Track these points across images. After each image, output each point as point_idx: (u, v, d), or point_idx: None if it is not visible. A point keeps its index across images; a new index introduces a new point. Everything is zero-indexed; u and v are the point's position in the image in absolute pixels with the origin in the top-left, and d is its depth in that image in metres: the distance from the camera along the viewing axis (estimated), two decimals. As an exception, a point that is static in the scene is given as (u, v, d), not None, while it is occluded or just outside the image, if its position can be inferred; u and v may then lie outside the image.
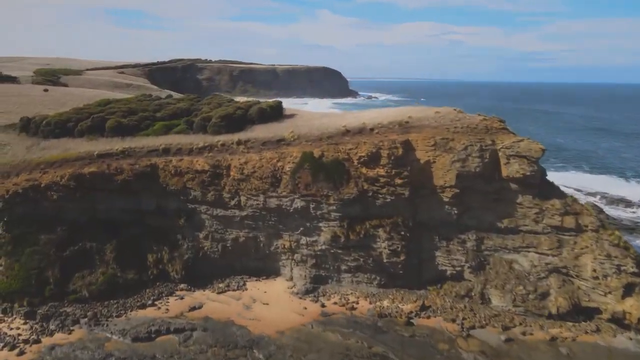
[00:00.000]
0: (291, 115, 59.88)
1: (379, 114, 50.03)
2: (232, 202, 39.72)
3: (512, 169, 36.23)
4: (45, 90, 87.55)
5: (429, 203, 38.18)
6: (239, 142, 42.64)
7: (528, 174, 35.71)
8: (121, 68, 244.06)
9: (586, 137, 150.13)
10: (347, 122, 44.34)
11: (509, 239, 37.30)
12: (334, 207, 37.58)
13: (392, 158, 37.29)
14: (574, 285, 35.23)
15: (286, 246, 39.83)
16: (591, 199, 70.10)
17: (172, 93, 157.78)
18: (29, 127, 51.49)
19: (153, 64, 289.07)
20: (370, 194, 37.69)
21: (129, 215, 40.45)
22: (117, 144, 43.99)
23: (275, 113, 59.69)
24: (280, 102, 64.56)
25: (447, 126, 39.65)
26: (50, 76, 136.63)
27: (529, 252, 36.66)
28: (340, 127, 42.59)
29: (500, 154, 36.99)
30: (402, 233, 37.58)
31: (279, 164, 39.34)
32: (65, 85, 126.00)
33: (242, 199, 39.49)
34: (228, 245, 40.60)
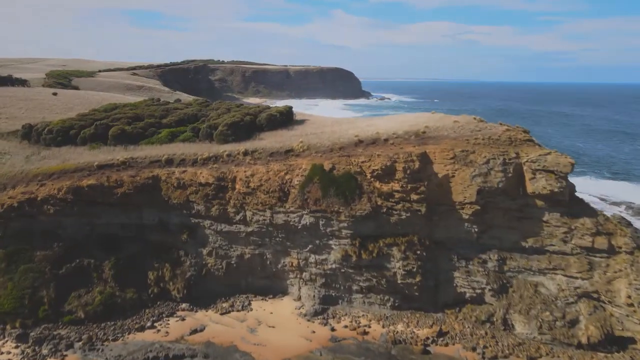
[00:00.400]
0: (302, 121, 57.78)
1: (394, 121, 47.53)
2: (237, 217, 37.52)
3: (538, 184, 33.44)
4: (54, 94, 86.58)
5: (447, 220, 35.54)
6: (245, 153, 40.43)
7: (556, 190, 32.90)
8: (134, 69, 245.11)
9: (607, 140, 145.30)
10: (360, 131, 41.92)
11: (534, 260, 34.49)
12: (345, 224, 35.16)
13: (408, 172, 34.74)
14: (606, 312, 32.29)
15: (294, 264, 37.51)
16: (616, 210, 66.66)
17: (183, 95, 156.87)
18: (30, 134, 50.02)
19: (166, 65, 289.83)
20: (384, 210, 35.19)
21: (130, 230, 38.49)
22: (119, 154, 42.11)
23: (285, 119, 57.63)
24: (291, 108, 62.46)
25: (467, 137, 36.97)
26: (62, 79, 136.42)
27: (556, 274, 33.82)
28: (353, 136, 40.17)
29: (525, 168, 34.23)
30: (418, 252, 35.01)
31: (287, 177, 37.04)
32: (76, 88, 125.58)
33: (248, 214, 37.26)
34: (233, 262, 38.40)
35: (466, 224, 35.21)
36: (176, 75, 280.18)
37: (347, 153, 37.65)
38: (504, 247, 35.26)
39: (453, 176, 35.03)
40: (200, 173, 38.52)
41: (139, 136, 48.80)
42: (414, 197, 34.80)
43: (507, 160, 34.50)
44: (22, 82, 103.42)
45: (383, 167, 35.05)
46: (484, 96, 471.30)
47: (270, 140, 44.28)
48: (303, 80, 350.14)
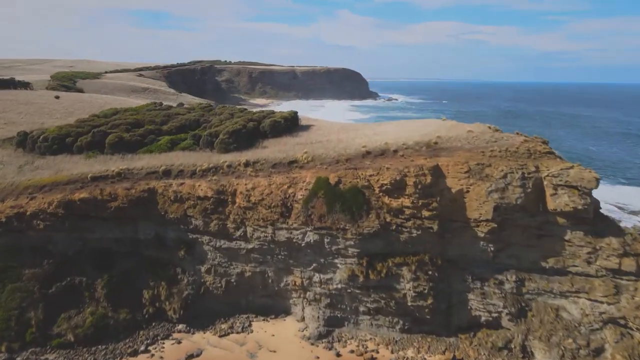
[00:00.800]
0: (307, 127, 55.75)
1: (403, 129, 45.24)
2: (238, 233, 35.40)
3: (560, 201, 31.01)
4: (57, 97, 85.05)
5: (461, 238, 33.19)
6: (246, 164, 38.29)
7: (580, 207, 30.45)
8: (140, 70, 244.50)
9: (620, 143, 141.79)
10: (368, 141, 39.67)
11: (555, 282, 32.05)
12: (352, 243, 32.92)
13: (419, 187, 32.43)
14: (634, 340, 29.75)
15: (297, 283, 35.33)
16: (635, 220, 63.82)
17: (188, 97, 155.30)
18: (25, 142, 48.19)
19: (172, 66, 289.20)
20: (393, 227, 32.90)
21: (124, 245, 36.48)
22: (114, 164, 40.14)
23: (290, 125, 55.56)
24: (296, 113, 60.36)
25: (483, 149, 34.58)
26: (67, 81, 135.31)
27: (579, 298, 31.37)
28: (360, 147, 37.90)
29: (545, 183, 31.81)
30: (430, 273, 32.69)
31: (290, 190, 34.86)
32: (80, 90, 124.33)
33: (249, 230, 35.13)
34: (232, 280, 36.30)
35: (481, 242, 32.85)
36: (183, 76, 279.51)
37: (354, 165, 35.39)
38: (523, 267, 32.87)
39: (467, 191, 32.67)
40: (199, 186, 36.44)
41: (137, 144, 46.86)
42: (425, 213, 32.49)
43: (526, 175, 32.11)
44: (25, 85, 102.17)
45: (392, 181, 32.75)
46: (491, 97, 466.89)
47: (274, 149, 42.18)
48: (310, 81, 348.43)
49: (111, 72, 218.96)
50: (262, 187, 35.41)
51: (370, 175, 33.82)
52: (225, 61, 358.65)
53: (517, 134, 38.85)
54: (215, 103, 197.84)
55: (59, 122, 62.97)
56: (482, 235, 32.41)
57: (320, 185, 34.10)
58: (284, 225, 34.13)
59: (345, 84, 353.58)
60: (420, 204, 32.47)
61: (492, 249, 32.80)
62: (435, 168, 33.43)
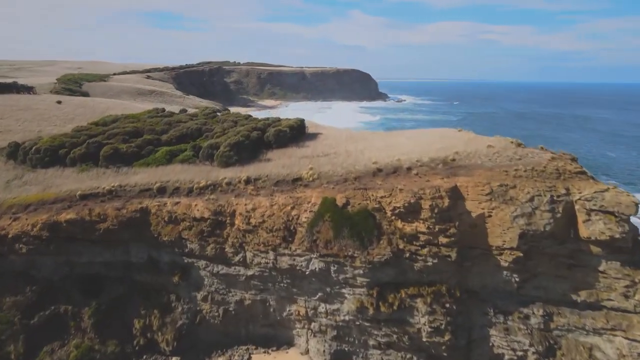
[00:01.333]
0: (314, 136, 52.95)
1: (416, 141, 42.08)
2: (236, 258, 32.53)
3: (594, 228, 27.73)
4: (59, 102, 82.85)
5: (481, 267, 30.02)
6: (247, 181, 35.40)
7: (617, 236, 27.17)
8: (149, 72, 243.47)
9: (639, 149, 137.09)
10: (378, 156, 36.62)
11: (587, 318, 28.74)
12: (361, 271, 29.85)
13: (436, 211, 29.29)
14: (679, 385, 26.50)
15: (301, 313, 32.38)
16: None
17: (195, 99, 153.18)
18: (17, 154, 45.73)
19: (181, 67, 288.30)
20: (407, 255, 29.78)
21: (114, 269, 33.80)
22: (107, 180, 37.50)
23: (296, 133, 52.73)
24: (302, 121, 57.47)
25: (506, 168, 31.35)
26: (73, 84, 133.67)
27: (615, 336, 28.03)
28: (370, 163, 34.85)
29: (577, 207, 28.55)
30: (447, 306, 29.52)
31: (294, 212, 31.89)
32: (86, 93, 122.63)
33: (248, 255, 32.24)
34: (231, 309, 33.43)
35: (505, 272, 29.64)
36: (191, 77, 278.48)
37: (363, 184, 32.33)
38: (551, 299, 29.60)
39: (490, 216, 29.47)
40: (195, 205, 33.61)
41: (133, 156, 44.19)
42: (442, 240, 29.35)
43: (555, 198, 28.86)
44: (28, 89, 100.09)
45: (406, 204, 29.64)
46: (502, 98, 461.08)
47: (277, 162, 39.32)
48: (319, 82, 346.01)
49: (119, 74, 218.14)
50: (264, 208, 32.49)
51: (382, 197, 30.74)
52: (234, 62, 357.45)
53: (542, 149, 35.60)
54: (223, 105, 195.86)
55: (57, 129, 60.71)
56: (506, 264, 29.21)
57: (326, 207, 31.09)
58: (286, 251, 31.18)
59: (355, 85, 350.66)
60: (436, 229, 29.34)
61: (516, 279, 29.58)
62: (454, 189, 30.26)
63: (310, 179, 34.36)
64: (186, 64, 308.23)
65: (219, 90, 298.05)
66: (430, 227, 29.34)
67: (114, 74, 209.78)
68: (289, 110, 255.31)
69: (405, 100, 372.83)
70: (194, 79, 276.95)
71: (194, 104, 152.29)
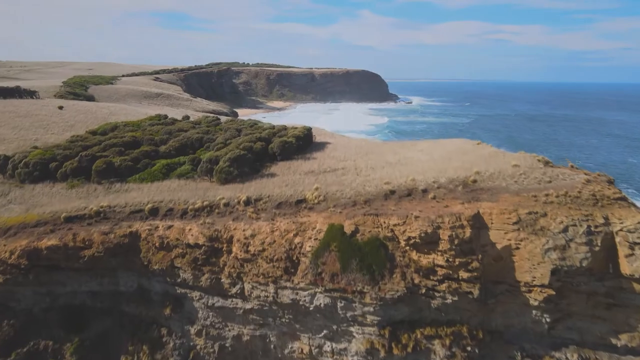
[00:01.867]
0: (321, 146, 50.14)
1: (431, 156, 38.89)
2: (234, 290, 29.47)
3: (639, 264, 24.28)
4: (60, 107, 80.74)
5: (507, 305, 26.65)
6: (247, 202, 32.35)
7: (665, 274, 23.72)
8: (158, 73, 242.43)
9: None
10: (391, 174, 33.48)
11: (629, 365, 25.35)
12: (372, 309, 26.62)
13: (456, 242, 25.99)
14: None
15: (305, 351, 29.24)
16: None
17: (202, 102, 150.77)
18: (6, 167, 43.13)
19: (189, 68, 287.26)
20: (423, 291, 26.52)
21: (101, 300, 30.92)
22: (95, 199, 34.67)
23: (303, 144, 49.86)
24: (309, 130, 54.65)
25: (534, 192, 27.93)
26: (78, 87, 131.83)
27: (661, 386, 24.63)
28: (382, 184, 31.61)
29: (618, 239, 25.10)
30: (469, 349, 26.21)
31: (297, 240, 28.75)
32: (91, 97, 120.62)
33: (247, 286, 29.16)
34: (227, 345, 30.37)
35: (534, 311, 26.25)
36: (199, 79, 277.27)
37: (374, 209, 29.07)
38: (587, 343, 26.16)
39: (517, 248, 26.09)
40: (189, 230, 30.61)
41: (128, 170, 41.45)
42: (463, 274, 26.05)
43: (592, 229, 25.42)
44: (31, 94, 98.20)
45: (422, 234, 26.37)
46: (514, 99, 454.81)
47: (281, 179, 36.38)
48: (328, 83, 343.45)
49: (128, 75, 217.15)
50: (264, 234, 29.39)
51: (395, 225, 27.48)
52: (244, 63, 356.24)
53: (573, 167, 32.17)
54: (230, 108, 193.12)
55: (54, 137, 58.42)
56: (536, 303, 25.82)
57: (333, 235, 27.90)
58: (288, 284, 28.04)
59: (365, 86, 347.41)
60: (456, 262, 26.05)
61: (547, 319, 26.18)
62: (476, 217, 26.92)
63: (316, 200, 31.20)
64: (195, 65, 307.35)
65: (228, 91, 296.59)
66: (450, 260, 26.05)
67: (123, 76, 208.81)
68: (297, 112, 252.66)
69: (415, 102, 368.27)
70: (203, 80, 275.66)
71: (201, 107, 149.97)
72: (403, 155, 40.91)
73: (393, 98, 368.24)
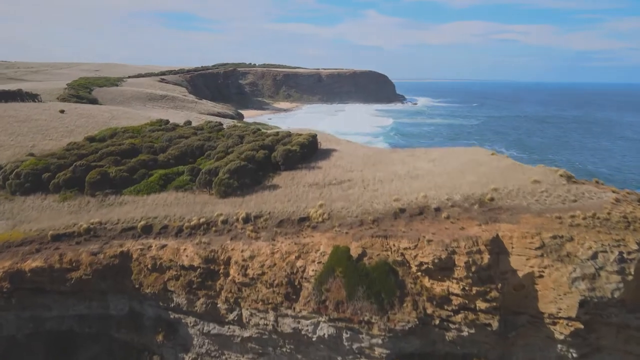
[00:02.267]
0: (327, 154, 47.98)
1: (444, 169, 36.54)
2: (231, 316, 27.32)
3: (677, 296, 21.86)
4: (61, 111, 79.15)
5: (530, 339, 24.28)
6: (246, 219, 30.17)
7: None
8: (164, 74, 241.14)
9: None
10: (400, 189, 31.21)
11: (665, 406, 22.92)
12: (380, 341, 24.36)
13: (473, 269, 23.66)
14: None
15: (307, 383, 27.06)
16: None
17: (207, 104, 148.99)
18: (-3, 178, 41.46)
19: (195, 69, 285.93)
20: (436, 322, 24.22)
21: (89, 325, 28.88)
22: (87, 214, 32.74)
23: (307, 152, 47.66)
24: (315, 137, 52.45)
25: (559, 212, 25.52)
26: (82, 89, 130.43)
27: None
28: (391, 201, 29.32)
29: (653, 268, 22.68)
30: (487, 386, 23.92)
31: (299, 263, 26.55)
32: (94, 100, 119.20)
33: (245, 313, 27.00)
34: (224, 375, 28.30)
35: (559, 346, 23.87)
36: (205, 80, 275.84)
37: (383, 230, 26.78)
38: (617, 380, 23.80)
39: (541, 276, 23.72)
40: (184, 250, 28.50)
41: (124, 181, 39.47)
42: (481, 305, 23.71)
43: (625, 255, 22.99)
44: (33, 97, 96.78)
45: (436, 259, 24.07)
46: (522, 99, 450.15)
47: (283, 192, 34.30)
48: (335, 84, 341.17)
49: (133, 77, 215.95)
50: (264, 256, 27.20)
51: (406, 249, 25.20)
52: (250, 64, 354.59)
53: (598, 183, 29.73)
54: (236, 110, 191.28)
55: (52, 144, 56.70)
56: (562, 337, 23.44)
57: (338, 258, 25.66)
58: (289, 312, 25.83)
59: (371, 86, 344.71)
60: (474, 291, 23.71)
61: (574, 355, 23.78)
62: (495, 241, 24.57)
63: (320, 219, 28.96)
64: (201, 66, 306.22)
65: (234, 92, 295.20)
66: (466, 288, 23.73)
67: (129, 77, 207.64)
68: (303, 113, 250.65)
69: (421, 103, 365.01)
70: (209, 81, 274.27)
71: (206, 109, 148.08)
72: (413, 166, 38.56)
73: (400, 99, 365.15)
